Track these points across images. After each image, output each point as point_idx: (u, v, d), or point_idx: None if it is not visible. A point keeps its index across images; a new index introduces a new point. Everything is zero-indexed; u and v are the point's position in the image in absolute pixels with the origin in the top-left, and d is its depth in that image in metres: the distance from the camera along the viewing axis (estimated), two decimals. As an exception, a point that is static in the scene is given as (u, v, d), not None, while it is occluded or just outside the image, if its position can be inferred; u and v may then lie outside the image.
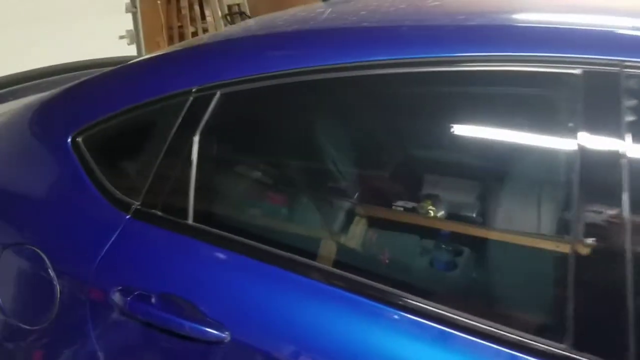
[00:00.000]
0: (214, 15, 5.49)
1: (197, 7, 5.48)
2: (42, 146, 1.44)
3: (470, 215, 1.20)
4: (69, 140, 1.36)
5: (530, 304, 1.06)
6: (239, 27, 1.51)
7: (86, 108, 1.39)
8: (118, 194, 1.30)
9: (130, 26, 4.92)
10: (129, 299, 1.19)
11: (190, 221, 1.23)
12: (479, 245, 1.19)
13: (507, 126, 1.14)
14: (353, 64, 1.09)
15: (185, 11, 5.44)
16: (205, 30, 5.58)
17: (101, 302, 1.25)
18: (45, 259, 1.32)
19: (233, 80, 1.21)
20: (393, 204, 1.24)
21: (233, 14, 5.63)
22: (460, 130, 1.19)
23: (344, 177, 1.27)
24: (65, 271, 1.31)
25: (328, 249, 1.22)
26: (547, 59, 0.97)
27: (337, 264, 1.14)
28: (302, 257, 1.11)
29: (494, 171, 1.21)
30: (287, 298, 1.09)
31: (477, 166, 1.21)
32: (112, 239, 1.26)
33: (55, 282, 1.30)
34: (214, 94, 1.23)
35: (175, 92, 1.26)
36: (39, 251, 1.33)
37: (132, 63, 1.46)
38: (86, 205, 1.33)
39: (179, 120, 1.25)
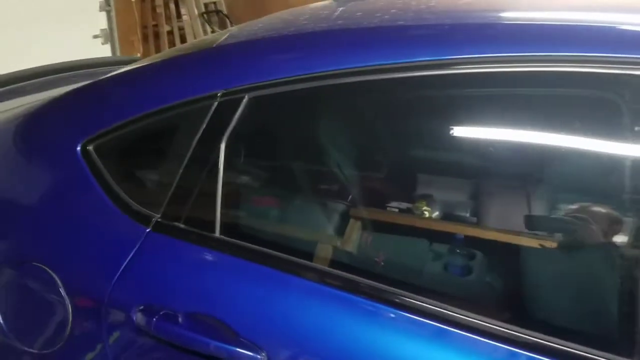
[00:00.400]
0: (190, 13, 5.36)
1: (172, 6, 5.34)
2: (47, 156, 1.33)
3: (515, 222, 1.14)
4: (78, 148, 1.26)
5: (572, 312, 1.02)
6: (261, 26, 1.42)
7: (97, 114, 1.29)
8: (136, 206, 1.21)
9: (105, 25, 4.78)
10: (154, 319, 1.10)
11: (217, 234, 1.15)
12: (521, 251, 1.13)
13: (560, 130, 1.08)
14: (400, 65, 1.03)
15: (160, 10, 5.29)
16: (181, 29, 5.44)
17: (120, 323, 1.16)
18: (55, 277, 1.22)
19: (263, 83, 1.13)
20: (435, 211, 1.18)
21: (209, 12, 5.50)
22: (513, 135, 1.13)
23: (393, 186, 1.20)
24: (78, 290, 1.21)
25: (372, 263, 1.15)
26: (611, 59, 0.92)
27: (381, 279, 1.07)
28: (344, 271, 1.05)
29: (545, 178, 1.16)
30: (329, 314, 1.02)
31: (532, 174, 1.15)
32: (131, 254, 1.17)
33: (67, 302, 1.21)
34: (242, 98, 1.15)
35: (198, 97, 1.18)
36: (47, 269, 1.23)
37: (148, 65, 1.37)
38: (100, 219, 1.23)
39: (203, 126, 1.17)
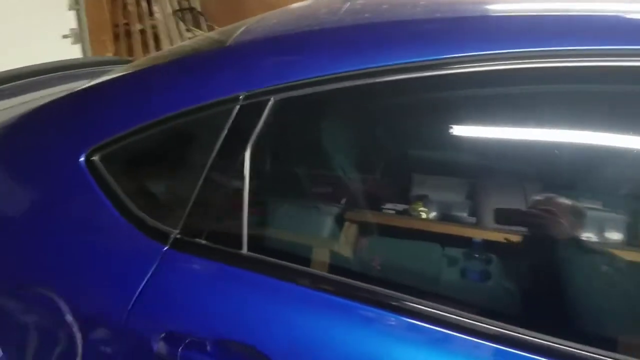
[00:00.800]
0: (162, 11, 5.19)
1: (144, 3, 5.16)
2: (45, 169, 1.20)
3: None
4: (82, 159, 1.14)
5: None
6: (277, 22, 1.31)
7: (102, 120, 1.17)
8: (151, 221, 1.10)
9: (74, 24, 4.59)
10: (179, 348, 0.99)
11: (244, 250, 1.04)
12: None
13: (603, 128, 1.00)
14: (449, 59, 0.94)
15: (131, 7, 5.10)
16: (153, 28, 5.26)
17: (139, 354, 1.05)
18: (61, 303, 1.10)
19: (291, 83, 1.03)
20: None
21: (183, 10, 5.34)
22: (561, 135, 1.04)
23: (446, 199, 1.09)
24: (88, 317, 1.10)
25: (427, 282, 1.05)
26: None
27: (437, 298, 0.98)
28: (391, 290, 0.95)
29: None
30: (375, 339, 0.93)
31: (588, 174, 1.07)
32: (148, 275, 1.06)
33: (76, 330, 1.09)
34: (267, 101, 1.04)
35: (217, 100, 1.07)
36: (52, 294, 1.11)
37: (156, 66, 1.25)
38: (111, 237, 1.11)
39: (225, 132, 1.06)
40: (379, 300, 0.93)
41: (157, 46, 5.35)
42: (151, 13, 5.21)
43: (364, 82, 0.99)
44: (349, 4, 1.31)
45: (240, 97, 1.05)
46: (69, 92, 1.30)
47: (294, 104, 1.05)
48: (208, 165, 1.06)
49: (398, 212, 1.09)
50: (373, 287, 0.94)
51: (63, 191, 1.16)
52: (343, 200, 1.13)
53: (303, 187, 1.14)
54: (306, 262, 1.03)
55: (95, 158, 1.13)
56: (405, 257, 1.08)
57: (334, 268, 1.01)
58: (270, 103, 1.04)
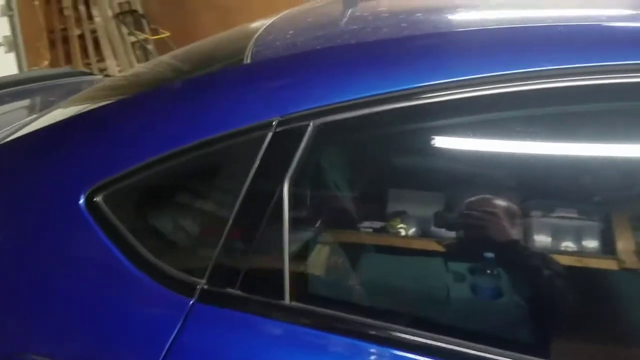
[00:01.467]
0: (102, 15, 4.89)
1: (82, 7, 4.85)
2: (38, 215, 1.01)
3: None
4: (82, 201, 0.96)
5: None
6: (297, 32, 1.16)
7: (105, 154, 0.99)
8: (172, 270, 0.94)
9: (8, 31, 4.25)
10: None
11: (287, 300, 0.90)
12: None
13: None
14: (522, 74, 0.83)
15: (68, 12, 4.80)
16: (93, 32, 4.97)
17: None
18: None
19: (334, 105, 0.89)
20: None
21: (124, 13, 5.06)
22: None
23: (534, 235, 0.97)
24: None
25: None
26: None
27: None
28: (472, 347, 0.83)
29: None
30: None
31: None
32: (173, 335, 0.90)
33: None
34: (306, 126, 0.90)
35: (246, 127, 0.92)
36: (52, 363, 0.93)
37: (168, 86, 1.08)
38: (123, 291, 0.95)
39: (256, 164, 0.91)
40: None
41: (98, 52, 5.06)
42: (90, 17, 4.92)
43: (419, 102, 0.87)
44: (366, 13, 1.18)
45: (273, 123, 0.91)
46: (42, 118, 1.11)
47: (338, 129, 0.91)
48: (238, 202, 0.91)
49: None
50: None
51: (62, 241, 0.99)
52: (407, 238, 0.99)
53: (355, 223, 1.00)
54: (365, 312, 0.90)
55: (99, 199, 0.96)
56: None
57: (405, 318, 0.88)
58: (309, 129, 0.90)
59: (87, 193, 0.96)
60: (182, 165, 0.95)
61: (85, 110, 1.13)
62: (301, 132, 0.90)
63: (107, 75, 4.66)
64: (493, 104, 0.87)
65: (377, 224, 1.00)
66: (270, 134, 0.91)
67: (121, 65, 5.02)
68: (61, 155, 1.03)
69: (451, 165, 0.98)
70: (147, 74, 1.37)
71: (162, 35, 5.21)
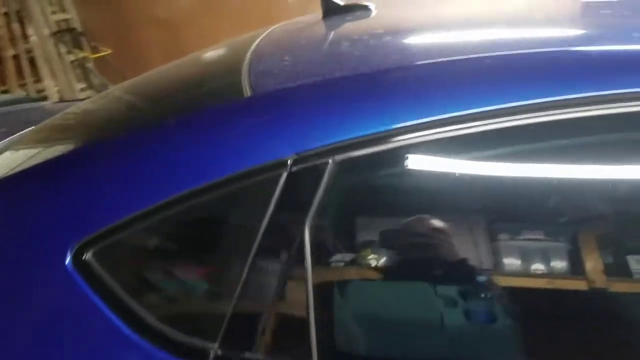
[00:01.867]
0: (38, 33, 4.63)
1: (16, 25, 4.57)
2: (15, 272, 0.87)
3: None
4: (68, 259, 0.84)
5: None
6: (297, 57, 1.06)
7: (93, 203, 0.87)
8: (178, 334, 0.82)
9: None
10: None
11: (315, 363, 0.80)
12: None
13: None
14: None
15: (1, 31, 4.51)
16: (29, 52, 4.69)
17: None
18: None
19: (359, 138, 0.81)
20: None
21: (62, 31, 4.80)
22: None
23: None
24: None
25: None
26: None
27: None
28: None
29: None
30: None
31: None
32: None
33: None
34: (325, 164, 0.81)
35: (257, 167, 0.82)
36: None
37: (161, 124, 0.95)
38: (123, 361, 0.82)
39: (271, 208, 0.81)
40: None
41: (34, 73, 4.78)
42: (25, 36, 4.64)
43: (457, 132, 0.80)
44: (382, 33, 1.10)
45: (288, 161, 0.81)
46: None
47: (363, 166, 0.83)
48: (252, 252, 0.81)
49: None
50: None
51: (47, 304, 0.85)
52: (456, 287, 0.88)
53: (389, 273, 0.90)
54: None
55: (89, 256, 0.84)
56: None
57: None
58: (329, 167, 0.81)
59: (74, 250, 0.83)
60: (185, 212, 0.84)
61: (61, 151, 1.00)
62: (320, 170, 0.81)
63: (45, 99, 4.41)
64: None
65: (414, 275, 0.89)
66: (285, 174, 0.81)
67: (60, 86, 4.76)
68: (41, 207, 0.89)
69: (490, 197, 0.90)
70: (116, 110, 1.23)
71: (102, 54, 4.97)
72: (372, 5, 1.37)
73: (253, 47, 1.20)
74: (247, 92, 0.92)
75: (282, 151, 0.82)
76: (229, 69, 1.16)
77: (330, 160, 0.81)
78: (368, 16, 1.32)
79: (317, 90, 0.88)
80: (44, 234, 0.86)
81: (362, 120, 0.82)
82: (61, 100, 4.32)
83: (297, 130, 0.83)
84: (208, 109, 0.94)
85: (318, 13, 1.50)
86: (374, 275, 0.90)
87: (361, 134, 0.81)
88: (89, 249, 0.84)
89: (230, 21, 4.79)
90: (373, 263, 0.87)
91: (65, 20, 4.86)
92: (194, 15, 4.97)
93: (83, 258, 0.83)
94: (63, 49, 4.80)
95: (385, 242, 0.87)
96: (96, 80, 5.03)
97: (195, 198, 0.83)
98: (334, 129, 0.82)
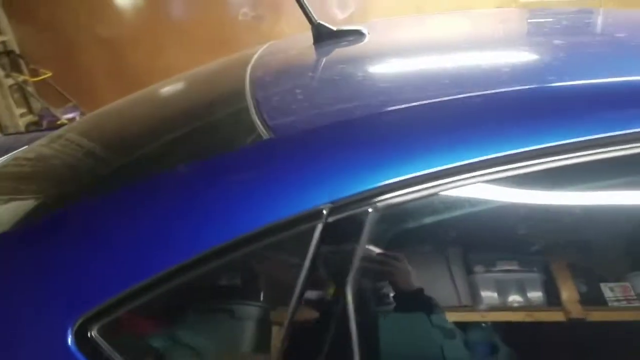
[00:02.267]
0: (-27, 58, 4.34)
1: (-52, 49, 4.28)
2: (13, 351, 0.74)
3: None
4: (70, 336, 0.71)
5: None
6: (312, 93, 0.96)
7: (98, 270, 0.74)
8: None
9: None
10: None
11: None
12: None
13: None
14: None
15: None
16: (-37, 78, 4.39)
17: None
18: None
19: (402, 181, 0.72)
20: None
21: (-1, 54, 4.53)
22: None
23: None
24: None
25: None
26: None
27: None
28: None
29: None
30: None
31: None
32: None
33: None
34: (365, 213, 0.72)
35: (288, 219, 0.72)
36: None
37: (169, 174, 0.83)
38: None
39: (306, 264, 0.72)
40: None
41: (-30, 98, 4.48)
42: (-40, 62, 4.35)
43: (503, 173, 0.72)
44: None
45: (324, 211, 0.72)
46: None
47: (407, 211, 0.74)
48: (287, 320, 0.71)
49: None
50: None
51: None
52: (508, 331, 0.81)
53: (446, 336, 0.81)
54: None
55: (94, 332, 0.71)
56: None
57: None
58: (369, 215, 0.72)
59: (75, 327, 0.71)
60: (206, 276, 0.73)
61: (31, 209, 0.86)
62: (361, 218, 0.72)
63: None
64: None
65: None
66: (320, 225, 0.72)
67: (-3, 111, 4.48)
68: (35, 279, 0.76)
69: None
70: (101, 158, 1.10)
71: (43, 77, 4.72)
72: (365, 30, 1.29)
73: (248, 74, 1.10)
74: (267, 135, 0.81)
75: (316, 200, 0.72)
76: (227, 103, 1.05)
77: (370, 208, 0.72)
78: (362, 41, 1.24)
79: (345, 132, 0.78)
80: (44, 309, 0.73)
81: (404, 161, 0.73)
82: (5, 133, 4.07)
83: (330, 176, 0.74)
84: (220, 157, 0.82)
85: (302, 34, 1.41)
86: (433, 336, 0.81)
87: (404, 176, 0.72)
88: (94, 323, 0.71)
89: (176, 41, 4.64)
90: (420, 324, 0.78)
91: (2, 42, 4.59)
92: (137, 35, 4.79)
93: (87, 332, 0.71)
94: (1, 73, 4.52)
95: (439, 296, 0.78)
96: (37, 104, 4.77)
97: (217, 259, 0.71)
98: (372, 173, 0.73)
